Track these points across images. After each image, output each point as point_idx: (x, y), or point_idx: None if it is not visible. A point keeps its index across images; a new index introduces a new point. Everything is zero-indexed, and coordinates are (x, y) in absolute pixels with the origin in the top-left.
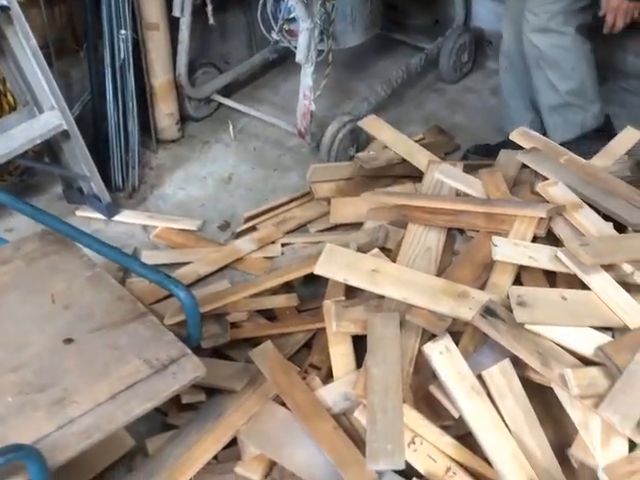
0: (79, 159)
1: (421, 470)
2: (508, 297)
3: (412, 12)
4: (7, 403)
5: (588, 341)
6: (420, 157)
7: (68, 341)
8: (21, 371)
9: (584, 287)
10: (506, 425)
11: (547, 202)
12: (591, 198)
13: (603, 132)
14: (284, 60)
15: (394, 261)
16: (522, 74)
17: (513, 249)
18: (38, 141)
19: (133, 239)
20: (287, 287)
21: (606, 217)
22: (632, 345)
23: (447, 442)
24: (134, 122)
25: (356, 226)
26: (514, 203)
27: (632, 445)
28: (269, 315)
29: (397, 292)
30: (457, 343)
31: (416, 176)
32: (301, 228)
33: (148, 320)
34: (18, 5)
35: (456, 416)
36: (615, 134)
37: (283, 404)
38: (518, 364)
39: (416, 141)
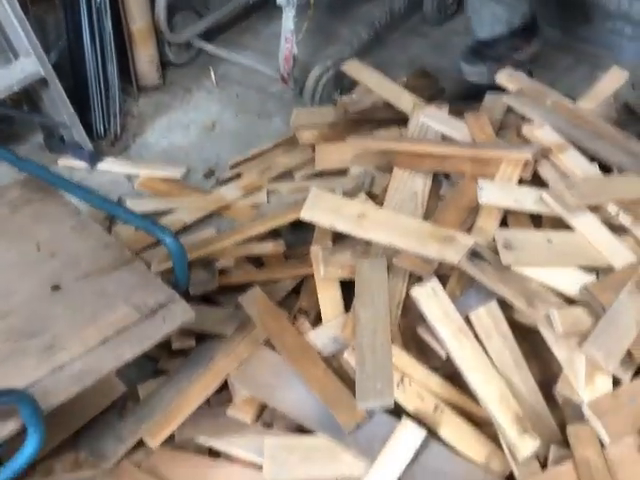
0: (59, 107)
1: (410, 409)
2: (494, 240)
3: None
4: None
5: (573, 281)
6: (405, 100)
7: (55, 288)
8: (9, 318)
9: (569, 229)
10: (493, 364)
11: (533, 144)
12: (577, 140)
13: (530, 31)
14: (265, 4)
15: (380, 205)
16: None
17: (499, 192)
18: (15, 88)
19: (117, 188)
20: (274, 234)
21: (592, 159)
22: (616, 285)
23: (435, 381)
24: (113, 68)
25: (342, 172)
26: (500, 146)
27: (617, 382)
28: (256, 262)
29: (384, 237)
30: (444, 286)
31: (401, 120)
32: (286, 175)
33: (135, 266)
34: None
35: (444, 357)
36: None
37: (273, 348)
38: (504, 305)
39: (400, 84)
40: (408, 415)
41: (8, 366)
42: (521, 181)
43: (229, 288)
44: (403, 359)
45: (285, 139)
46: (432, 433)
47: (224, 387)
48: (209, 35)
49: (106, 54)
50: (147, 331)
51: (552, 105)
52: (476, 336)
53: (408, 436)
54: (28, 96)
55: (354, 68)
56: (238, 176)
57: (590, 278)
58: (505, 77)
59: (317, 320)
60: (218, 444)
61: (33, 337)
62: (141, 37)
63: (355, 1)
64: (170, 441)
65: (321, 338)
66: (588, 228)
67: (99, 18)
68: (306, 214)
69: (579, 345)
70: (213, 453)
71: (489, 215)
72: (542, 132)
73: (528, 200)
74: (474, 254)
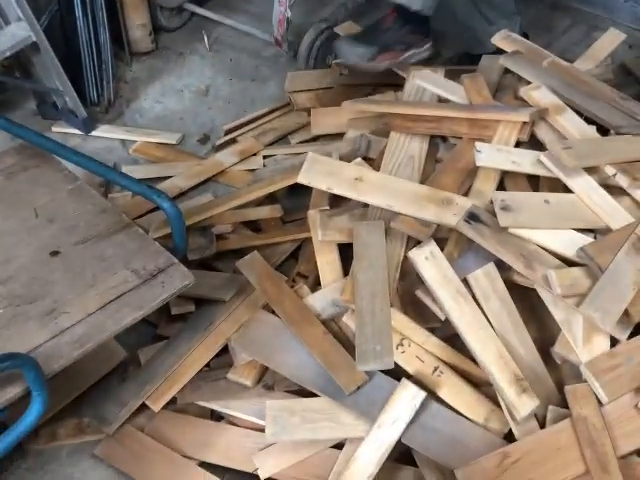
0: (51, 73)
1: (409, 370)
2: (492, 202)
3: None
4: None
5: (571, 243)
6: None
7: (54, 254)
8: (9, 284)
9: (567, 190)
10: (491, 326)
11: (530, 106)
12: (574, 101)
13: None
14: None
15: (377, 170)
16: None
17: (496, 154)
18: (7, 54)
19: (112, 154)
20: (271, 199)
21: (589, 120)
22: (613, 245)
23: (434, 343)
24: (105, 33)
25: (337, 137)
26: (497, 108)
27: (614, 342)
28: (254, 227)
29: (381, 200)
30: (442, 249)
31: (397, 84)
32: (282, 140)
33: (133, 231)
34: None
35: (442, 319)
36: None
37: (272, 312)
38: (502, 267)
39: None
40: (408, 377)
41: (10, 331)
42: (518, 143)
43: (227, 253)
44: (402, 321)
45: (280, 104)
46: (431, 394)
47: (224, 351)
48: None
49: (98, 20)
50: (147, 296)
51: (549, 66)
52: (474, 298)
53: (408, 397)
54: (20, 62)
55: (348, 30)
56: (233, 141)
57: (587, 239)
58: (501, 38)
59: (315, 284)
60: (220, 407)
61: (34, 302)
62: (133, 2)
63: None
64: (172, 405)
65: (320, 301)
66: (585, 190)
67: None
68: (303, 178)
69: (577, 306)
70: (215, 416)
71: (486, 177)
72: (539, 93)
73: (525, 162)
74: (472, 216)
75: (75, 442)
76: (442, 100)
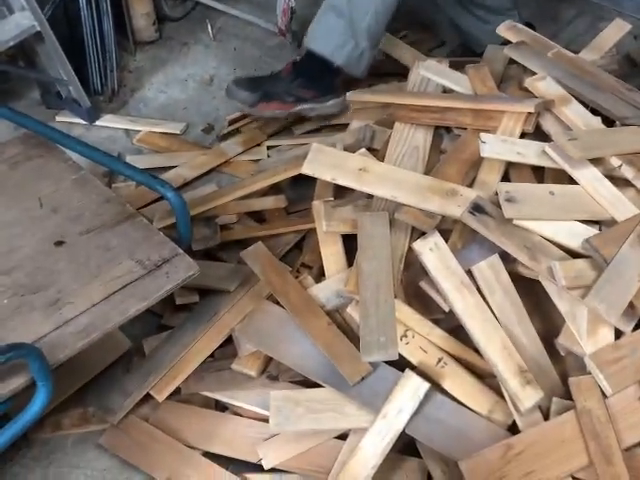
0: (55, 62)
1: (413, 361)
2: (496, 194)
3: None
4: (3, 305)
5: (576, 235)
6: (404, 54)
7: (59, 244)
8: (14, 273)
9: (572, 182)
10: (495, 317)
11: (535, 97)
12: (579, 92)
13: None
14: None
15: (381, 160)
16: None
17: (501, 145)
18: (11, 43)
19: (116, 144)
20: (275, 190)
21: (594, 111)
22: (618, 237)
23: (438, 334)
24: (109, 23)
25: (341, 127)
26: (502, 99)
27: (618, 334)
28: (258, 218)
29: (385, 191)
30: (446, 240)
31: (401, 74)
32: (285, 130)
33: (138, 221)
34: None
35: (446, 310)
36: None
37: (276, 303)
38: (507, 259)
39: (399, 38)
40: (412, 368)
41: (15, 321)
42: (523, 134)
43: (231, 244)
44: (406, 313)
45: None
46: (435, 385)
47: (229, 341)
48: None
49: (101, 9)
50: (151, 286)
51: (554, 57)
52: (478, 289)
53: (412, 388)
54: (24, 52)
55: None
56: (237, 132)
57: (592, 231)
58: (506, 29)
59: (320, 274)
60: (224, 397)
61: (38, 292)
62: None
63: None
64: (176, 395)
65: (324, 292)
66: (591, 181)
67: None
68: (307, 169)
69: (581, 298)
70: (219, 406)
71: (491, 169)
72: (544, 84)
73: (530, 153)
74: (476, 208)
75: (80, 432)
76: (447, 91)
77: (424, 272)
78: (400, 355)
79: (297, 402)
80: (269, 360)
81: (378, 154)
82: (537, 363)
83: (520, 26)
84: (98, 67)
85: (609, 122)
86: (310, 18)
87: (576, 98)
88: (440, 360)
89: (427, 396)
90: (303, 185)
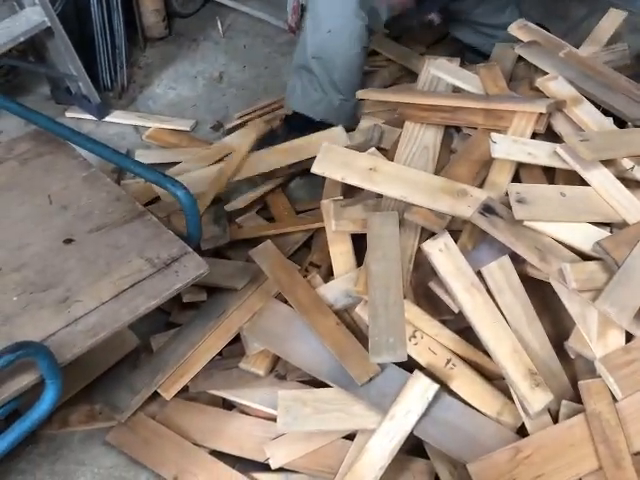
0: (65, 58)
1: (422, 362)
2: (507, 194)
3: None
4: (12, 302)
5: (586, 237)
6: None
7: (68, 241)
8: (23, 271)
9: (583, 183)
10: (505, 319)
11: (547, 97)
12: (591, 93)
13: None
14: None
15: (391, 160)
16: None
17: (512, 146)
18: (21, 39)
19: (125, 140)
20: (282, 188)
21: (606, 112)
22: (630, 240)
23: (447, 335)
24: (119, 19)
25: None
26: (513, 99)
27: (629, 338)
28: (267, 216)
29: (395, 190)
30: (455, 241)
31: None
32: None
33: (147, 219)
34: None
35: (456, 311)
36: None
37: (285, 302)
38: (517, 260)
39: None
40: (420, 368)
41: (24, 319)
42: (535, 135)
43: (240, 242)
44: (415, 313)
45: None
46: (444, 386)
47: (236, 339)
48: None
49: (112, 5)
50: (161, 284)
51: (565, 57)
52: (488, 291)
53: (420, 389)
54: (34, 47)
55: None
56: (244, 125)
57: (604, 233)
58: (517, 27)
59: (328, 274)
60: (231, 396)
61: (48, 290)
62: None
63: None
64: (184, 393)
65: (333, 292)
66: (602, 182)
67: None
68: (317, 168)
69: (592, 300)
70: (227, 404)
71: (502, 169)
72: (556, 84)
73: (541, 154)
74: (486, 209)
75: (87, 428)
76: (457, 90)
77: (433, 272)
78: (408, 356)
79: (305, 402)
80: (277, 359)
81: (388, 154)
82: (547, 366)
83: (531, 25)
84: (108, 63)
85: (621, 123)
86: None
87: (588, 99)
88: (449, 361)
89: (435, 397)
90: (311, 184)
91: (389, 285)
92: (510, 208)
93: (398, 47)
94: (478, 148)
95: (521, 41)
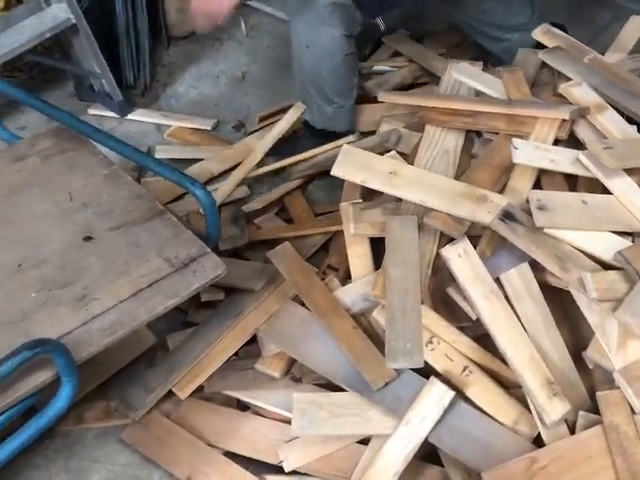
0: (89, 55)
1: (438, 369)
2: (527, 201)
3: None
4: (31, 299)
5: (608, 246)
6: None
7: (88, 239)
8: (43, 267)
9: (605, 191)
10: (523, 327)
11: (570, 103)
12: (615, 100)
13: None
14: None
15: (411, 164)
16: None
17: (534, 152)
18: (47, 35)
19: (147, 138)
20: (301, 189)
21: (630, 120)
22: None
23: (464, 342)
24: (143, 17)
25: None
26: (536, 104)
27: None
28: (286, 218)
29: (415, 195)
30: (474, 246)
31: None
32: None
33: (167, 218)
34: None
35: (474, 318)
36: None
37: (302, 304)
38: (536, 268)
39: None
40: (436, 375)
41: (42, 315)
42: (557, 141)
43: (258, 243)
44: (432, 319)
45: None
46: (460, 393)
47: (253, 340)
48: None
49: (136, 3)
50: (178, 284)
51: (590, 63)
52: (506, 298)
53: (436, 395)
54: (59, 43)
55: (391, 38)
56: (265, 126)
57: (625, 243)
58: (541, 33)
59: (346, 276)
60: (246, 397)
61: (66, 287)
62: None
63: None
64: (198, 392)
65: (350, 295)
66: (625, 191)
67: None
68: (337, 170)
69: (612, 311)
70: (241, 406)
71: (523, 175)
72: (580, 91)
73: (564, 161)
74: (507, 215)
75: (102, 425)
76: (479, 94)
77: (451, 278)
78: (425, 361)
79: (320, 405)
80: (293, 361)
81: (408, 157)
82: (564, 375)
83: (555, 30)
84: (131, 61)
85: None
86: None
87: (612, 106)
88: (465, 368)
89: (451, 404)
90: (330, 187)
91: (407, 290)
92: (530, 215)
93: (419, 48)
94: (499, 153)
95: (540, 46)
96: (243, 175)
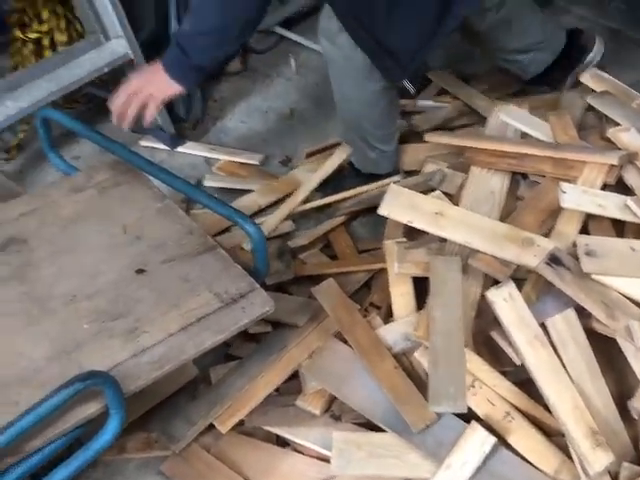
0: None
1: (480, 413)
2: (574, 246)
3: None
4: (83, 330)
5: None
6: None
7: (140, 271)
8: (96, 299)
9: None
10: (568, 374)
11: (618, 149)
12: None
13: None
14: None
15: (456, 204)
16: None
17: (582, 196)
18: (105, 70)
19: (195, 171)
20: (345, 226)
21: None
22: None
23: (506, 387)
24: None
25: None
26: (584, 149)
27: None
28: (330, 254)
29: (460, 236)
30: (519, 290)
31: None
32: None
33: (218, 253)
34: None
35: (518, 363)
36: None
37: (344, 341)
38: (582, 314)
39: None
40: (478, 419)
41: (94, 346)
42: (605, 186)
43: (302, 278)
44: (475, 362)
45: None
46: (501, 439)
47: (294, 376)
48: (290, 22)
49: None
50: (227, 320)
51: (638, 108)
52: (551, 344)
53: (477, 441)
54: (115, 77)
55: (438, 76)
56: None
57: None
58: (588, 77)
59: (388, 315)
60: (286, 433)
61: (118, 319)
62: None
63: None
64: (239, 426)
65: (392, 334)
66: None
67: (186, 1)
68: (384, 209)
69: None
70: (281, 441)
71: (570, 219)
72: (628, 136)
73: (612, 206)
74: (553, 259)
75: (142, 456)
76: (526, 136)
77: (495, 321)
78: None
79: (359, 445)
80: (333, 399)
81: (453, 198)
82: (608, 424)
83: (603, 74)
84: (185, 95)
85: None
86: None
87: None
88: (507, 414)
89: (492, 450)
90: (373, 223)
91: (451, 332)
92: (577, 260)
93: (463, 85)
94: (546, 196)
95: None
96: (289, 210)
